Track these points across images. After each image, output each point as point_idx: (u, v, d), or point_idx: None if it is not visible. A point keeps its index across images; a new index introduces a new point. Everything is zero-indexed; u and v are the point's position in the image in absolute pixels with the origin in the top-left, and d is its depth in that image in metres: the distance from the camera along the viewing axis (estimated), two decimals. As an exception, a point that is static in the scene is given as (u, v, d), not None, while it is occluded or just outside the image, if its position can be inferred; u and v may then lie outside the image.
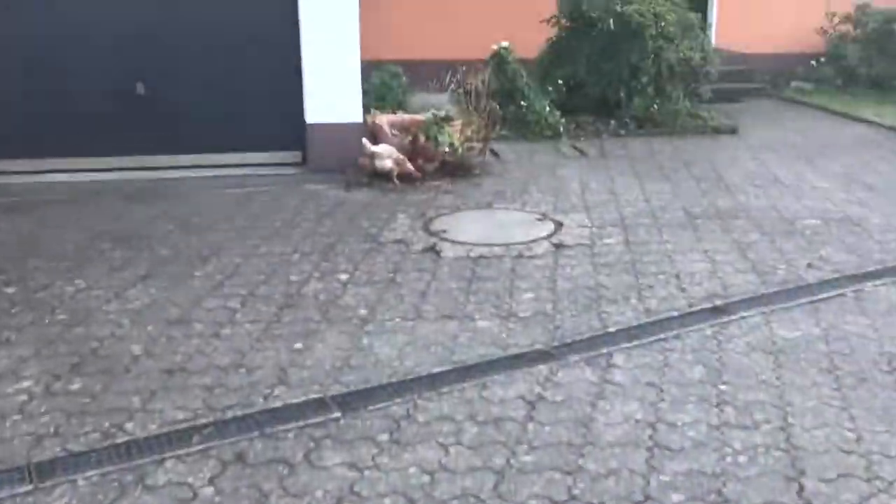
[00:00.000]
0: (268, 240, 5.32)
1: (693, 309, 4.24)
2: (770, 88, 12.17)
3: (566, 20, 9.22)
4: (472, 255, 5.04)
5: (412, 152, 6.44)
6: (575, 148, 7.83)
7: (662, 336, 3.90)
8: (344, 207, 5.70)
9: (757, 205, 6.26)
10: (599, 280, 4.70)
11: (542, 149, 7.87)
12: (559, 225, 5.62)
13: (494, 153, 7.44)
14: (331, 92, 6.46)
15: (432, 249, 5.16)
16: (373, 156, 6.46)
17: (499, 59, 8.47)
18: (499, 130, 7.96)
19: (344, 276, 4.76)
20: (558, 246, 5.25)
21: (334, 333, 3.96)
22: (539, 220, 5.69)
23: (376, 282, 4.63)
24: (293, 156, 6.83)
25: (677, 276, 4.78)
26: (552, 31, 9.29)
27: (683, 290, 4.58)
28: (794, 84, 12.36)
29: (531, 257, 5.04)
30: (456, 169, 6.65)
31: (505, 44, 8.51)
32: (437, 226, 5.39)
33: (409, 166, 6.29)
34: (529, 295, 4.48)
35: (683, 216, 5.96)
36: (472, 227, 5.43)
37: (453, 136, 6.83)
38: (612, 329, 4.06)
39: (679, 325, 4.06)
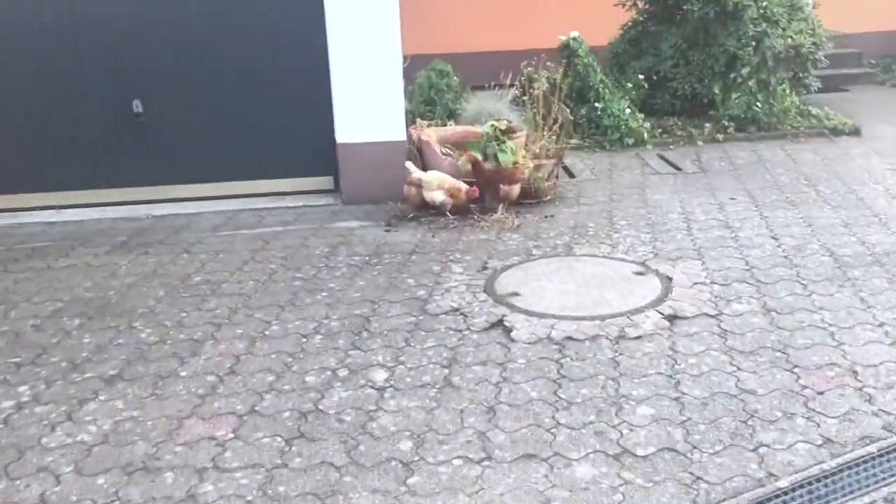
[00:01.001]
0: (283, 311, 4.30)
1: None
2: (881, 73, 10.55)
3: (645, 2, 8.53)
4: (554, 335, 3.82)
5: (480, 178, 5.63)
6: (665, 160, 7.08)
7: (868, 501, 2.67)
8: (383, 256, 5.00)
9: (925, 242, 4.88)
10: (742, 380, 3.49)
11: (623, 161, 7.10)
12: (667, 281, 4.49)
13: (568, 171, 6.82)
14: (365, 103, 5.77)
15: (500, 325, 3.96)
16: (419, 184, 5.67)
17: (569, 53, 7.72)
18: (571, 141, 7.21)
19: (381, 376, 3.53)
20: (672, 318, 3.96)
21: (364, 494, 2.83)
22: (639, 273, 4.63)
23: (425, 385, 3.49)
24: (323, 182, 6.21)
25: (854, 373, 3.39)
26: (628, 16, 8.65)
27: (869, 399, 3.19)
28: (909, 67, 10.69)
29: (638, 338, 3.80)
30: (523, 196, 5.94)
31: (575, 34, 7.75)
32: (503, 284, 4.52)
33: (464, 192, 5.53)
34: (646, 410, 3.21)
35: (831, 263, 4.65)
36: (549, 285, 4.46)
37: (517, 152, 5.97)
38: (782, 482, 2.71)
39: (888, 471, 2.69)
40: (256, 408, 3.40)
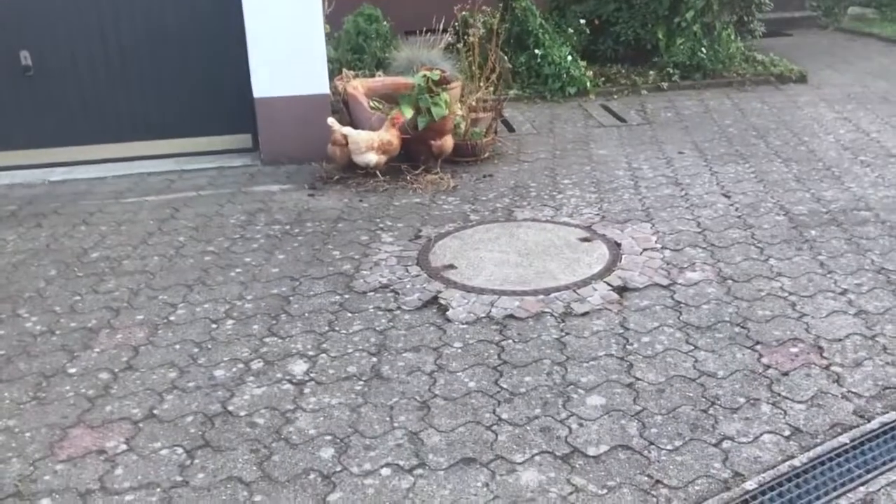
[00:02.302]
0: (191, 291, 3.97)
1: (871, 426, 2.79)
2: (822, 17, 10.42)
3: (585, -60, 8.27)
4: (495, 314, 3.54)
5: (418, 133, 5.47)
6: (609, 111, 6.99)
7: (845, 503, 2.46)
8: (306, 225, 4.69)
9: (880, 197, 4.83)
10: (700, 360, 3.24)
11: (566, 113, 6.98)
12: (615, 247, 4.27)
13: (507, 125, 6.58)
14: (283, 52, 5.47)
15: (435, 303, 3.66)
16: (345, 142, 5.37)
17: None
18: (510, 92, 7.04)
19: (300, 368, 3.17)
20: (622, 290, 3.71)
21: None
22: (584, 239, 4.39)
23: (350, 378, 3.17)
24: (240, 140, 5.94)
25: (819, 349, 3.16)
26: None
27: (837, 379, 2.96)
28: (851, 10, 10.57)
29: (586, 314, 3.54)
30: (459, 153, 5.70)
31: (513, -26, 7.48)
32: (439, 255, 4.22)
33: (397, 140, 5.35)
34: (596, 400, 2.95)
35: (786, 223, 4.44)
36: (489, 255, 4.19)
37: (452, 105, 5.73)
38: (749, 484, 2.49)
39: (863, 466, 2.48)
40: (155, 411, 2.99)
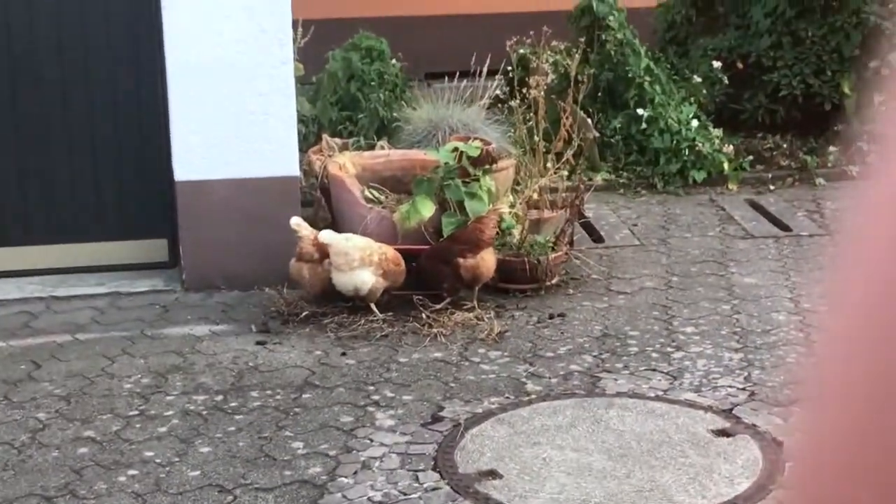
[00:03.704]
0: None
1: None
2: None
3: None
4: None
5: (440, 244, 5.69)
6: (761, 211, 7.16)
7: None
8: (250, 395, 4.77)
9: None
10: None
11: (689, 213, 7.21)
12: (774, 448, 4.25)
13: (589, 230, 6.75)
14: (224, 108, 5.77)
15: None
16: (320, 256, 5.49)
17: (591, 21, 7.80)
18: (596, 177, 7.28)
19: None
20: None
21: None
22: (722, 431, 4.36)
23: None
24: (148, 250, 6.20)
25: None
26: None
27: None
28: None
29: None
30: (509, 276, 5.83)
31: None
32: (472, 454, 4.25)
33: (402, 264, 5.52)
34: None
35: None
36: (557, 456, 4.20)
37: (500, 197, 5.94)
38: None
39: None
40: None
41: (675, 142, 7.52)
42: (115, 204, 6.03)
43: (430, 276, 5.56)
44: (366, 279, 5.38)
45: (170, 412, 4.58)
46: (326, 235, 5.43)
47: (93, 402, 4.67)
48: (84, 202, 6.01)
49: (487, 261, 5.58)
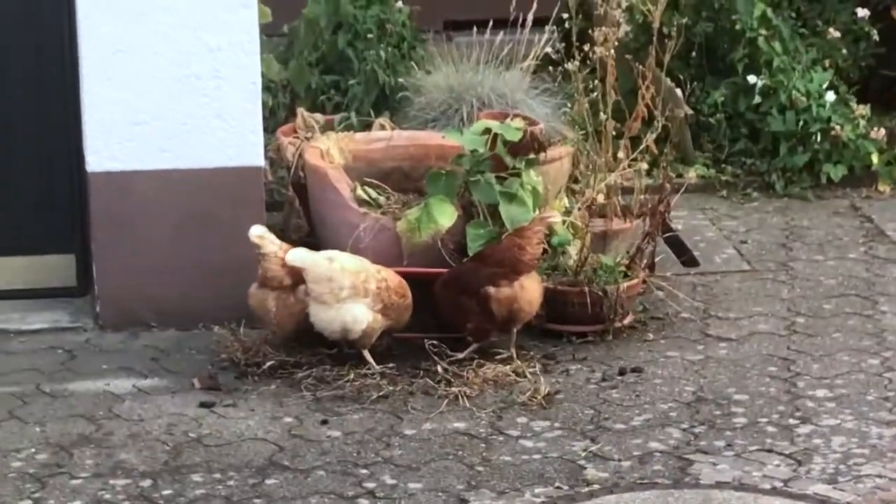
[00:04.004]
0: None
1: None
2: None
3: None
4: None
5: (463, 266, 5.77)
6: None
7: None
8: (189, 480, 4.80)
9: None
10: None
11: (821, 224, 7.30)
12: None
13: (676, 248, 6.68)
14: (156, 69, 5.87)
15: None
16: (292, 279, 5.56)
17: None
18: (688, 172, 7.35)
19: None
20: None
21: None
22: None
23: None
24: (53, 269, 6.31)
25: None
26: None
27: None
28: None
29: None
30: (562, 314, 5.86)
31: None
32: None
33: (409, 296, 5.60)
34: None
35: None
36: None
37: (555, 200, 6.11)
38: None
39: None
40: None
41: (801, 123, 7.52)
42: (1, 205, 6.06)
43: (448, 311, 5.58)
44: (358, 316, 5.41)
45: (76, 502, 4.58)
46: (299, 256, 5.43)
47: (-34, 487, 4.67)
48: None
49: (529, 291, 5.57)
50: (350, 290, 5.39)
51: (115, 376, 5.52)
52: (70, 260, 6.13)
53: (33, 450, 4.93)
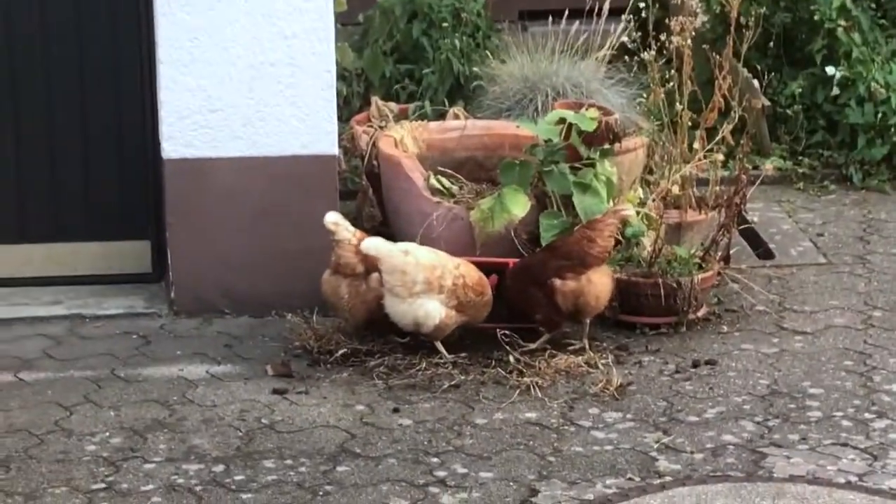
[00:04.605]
0: None
1: None
2: None
3: None
4: None
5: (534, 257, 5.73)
6: None
7: None
8: (262, 466, 4.81)
9: None
10: None
11: None
12: None
13: (752, 240, 6.66)
14: (233, 59, 5.91)
15: None
16: (363, 269, 5.57)
17: None
18: (765, 163, 7.22)
19: None
20: None
21: None
22: None
23: None
24: (124, 257, 6.33)
25: None
26: None
27: None
28: None
29: None
30: (634, 306, 5.86)
31: None
32: None
33: (488, 291, 5.58)
34: None
35: None
36: None
37: (629, 191, 6.10)
38: None
39: None
40: None
41: (880, 116, 7.45)
42: (78, 191, 6.10)
43: (518, 301, 5.59)
44: (431, 311, 5.41)
45: (149, 486, 4.61)
46: (374, 244, 5.42)
47: (41, 469, 4.71)
48: (34, 187, 6.12)
49: (597, 285, 5.55)
50: (424, 284, 5.39)
51: (189, 362, 5.54)
52: (145, 246, 6.15)
53: (107, 434, 4.96)
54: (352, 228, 5.53)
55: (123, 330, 5.84)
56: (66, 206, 6.17)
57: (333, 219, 5.50)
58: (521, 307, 5.59)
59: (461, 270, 5.44)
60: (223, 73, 5.80)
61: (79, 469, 4.71)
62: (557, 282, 5.48)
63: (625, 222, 5.71)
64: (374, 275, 5.47)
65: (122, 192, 6.13)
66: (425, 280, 5.37)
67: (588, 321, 5.60)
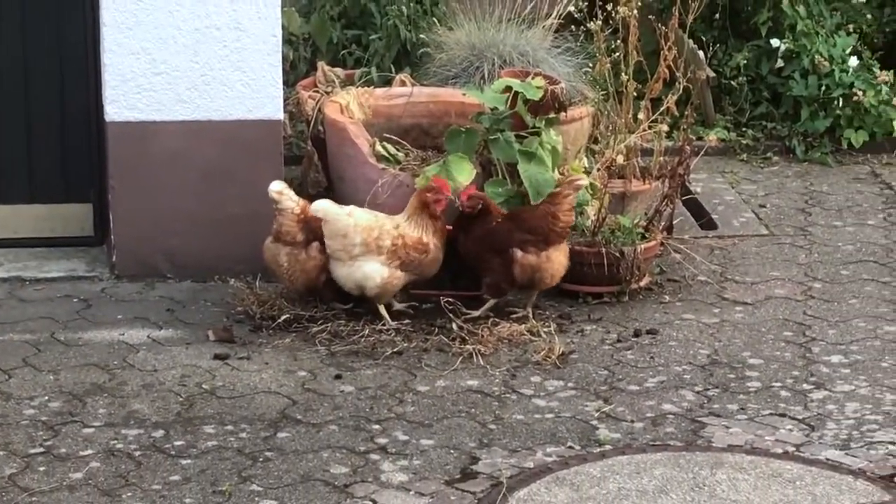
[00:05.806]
0: None
1: None
2: None
3: None
4: None
5: (469, 229, 5.71)
6: None
7: None
8: (201, 431, 4.81)
9: None
10: None
11: (841, 190, 7.32)
12: None
13: (695, 210, 6.77)
14: (177, 21, 5.85)
15: None
16: (310, 233, 5.52)
17: None
18: (709, 135, 7.22)
19: None
20: None
21: None
22: None
23: None
24: (70, 218, 6.30)
25: None
26: None
27: None
28: None
29: None
30: (579, 275, 5.85)
31: None
32: None
33: (432, 251, 5.55)
34: None
35: None
36: None
37: (573, 160, 6.07)
38: None
39: None
40: None
41: (824, 88, 7.48)
42: (18, 153, 6.07)
43: (472, 262, 5.59)
44: (370, 273, 5.41)
45: (88, 451, 4.59)
46: (323, 206, 5.43)
47: (-19, 431, 4.68)
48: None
49: (554, 263, 5.58)
50: (362, 246, 5.40)
51: (130, 326, 5.53)
52: (87, 209, 6.12)
53: (46, 398, 4.95)
54: (296, 198, 5.51)
55: (64, 293, 5.81)
56: (8, 168, 6.13)
57: (278, 188, 5.48)
58: (474, 267, 5.62)
59: (400, 230, 5.42)
60: (168, 37, 5.76)
61: (17, 433, 4.70)
62: (518, 253, 5.50)
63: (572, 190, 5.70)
64: (315, 243, 5.47)
65: (65, 155, 6.09)
66: (363, 242, 5.39)
67: (537, 293, 5.61)
